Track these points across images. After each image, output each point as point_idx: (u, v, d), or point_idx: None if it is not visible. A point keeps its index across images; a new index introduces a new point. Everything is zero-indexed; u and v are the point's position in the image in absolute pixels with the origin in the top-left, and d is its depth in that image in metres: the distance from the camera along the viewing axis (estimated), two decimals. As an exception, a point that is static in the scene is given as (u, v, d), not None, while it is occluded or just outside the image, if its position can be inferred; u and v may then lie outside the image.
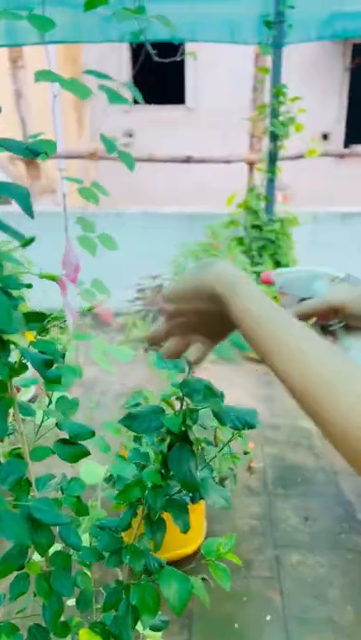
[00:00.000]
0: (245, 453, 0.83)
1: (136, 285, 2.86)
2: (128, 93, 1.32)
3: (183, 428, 0.66)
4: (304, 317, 0.69)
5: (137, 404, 1.59)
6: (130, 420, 0.67)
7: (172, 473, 0.70)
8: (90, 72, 1.15)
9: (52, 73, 1.15)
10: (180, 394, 0.67)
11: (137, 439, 0.92)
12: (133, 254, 3.02)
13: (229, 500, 0.69)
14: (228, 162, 4.34)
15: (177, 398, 0.69)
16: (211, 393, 0.64)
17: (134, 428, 0.67)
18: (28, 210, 0.59)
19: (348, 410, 0.42)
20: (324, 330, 0.71)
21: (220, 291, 0.55)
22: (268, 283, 0.73)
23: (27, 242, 0.54)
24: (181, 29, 2.84)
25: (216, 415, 0.64)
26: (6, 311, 0.54)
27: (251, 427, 0.64)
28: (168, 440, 0.68)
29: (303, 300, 0.71)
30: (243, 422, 0.65)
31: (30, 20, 1.16)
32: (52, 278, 0.58)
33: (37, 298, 1.65)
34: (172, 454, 0.67)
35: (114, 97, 1.13)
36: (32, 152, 0.63)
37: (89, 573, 0.91)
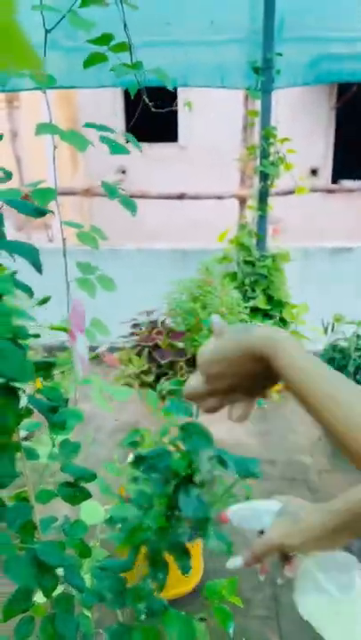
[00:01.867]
0: (247, 498, 0.85)
1: (131, 321, 2.89)
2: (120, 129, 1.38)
3: (189, 471, 0.68)
4: (261, 557, 0.73)
5: (134, 443, 1.60)
6: (139, 463, 0.70)
7: (177, 515, 0.72)
8: (89, 125, 1.21)
9: (53, 126, 1.21)
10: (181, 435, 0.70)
11: (135, 480, 0.94)
12: (128, 290, 3.06)
13: (231, 547, 0.71)
14: (220, 198, 4.44)
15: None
16: (205, 439, 0.67)
17: (143, 470, 0.69)
18: (38, 267, 0.62)
19: None
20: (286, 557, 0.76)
21: (264, 349, 0.58)
22: (225, 521, 0.78)
23: (43, 301, 0.58)
24: (173, 75, 2.96)
25: (220, 461, 0.66)
26: (19, 363, 0.57)
27: (252, 476, 0.67)
28: (174, 482, 0.70)
29: (261, 532, 0.76)
30: (244, 470, 0.67)
31: (32, 77, 1.23)
32: (63, 330, 0.61)
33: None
34: (181, 495, 0.69)
35: (116, 149, 1.19)
36: (39, 212, 0.67)
37: (90, 615, 0.91)
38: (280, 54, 2.93)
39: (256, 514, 0.75)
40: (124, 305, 2.92)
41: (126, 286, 2.78)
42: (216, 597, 0.77)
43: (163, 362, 2.63)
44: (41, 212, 0.66)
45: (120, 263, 4.06)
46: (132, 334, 2.81)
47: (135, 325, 2.85)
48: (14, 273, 0.55)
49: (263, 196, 3.20)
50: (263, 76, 2.96)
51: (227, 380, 0.61)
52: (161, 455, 0.72)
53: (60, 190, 5.36)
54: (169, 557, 0.79)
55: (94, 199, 5.37)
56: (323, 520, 0.68)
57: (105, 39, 1.24)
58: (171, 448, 0.79)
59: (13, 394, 0.64)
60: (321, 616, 0.70)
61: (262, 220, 3.28)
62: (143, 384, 2.60)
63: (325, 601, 0.69)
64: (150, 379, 2.60)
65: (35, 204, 0.66)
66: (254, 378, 0.61)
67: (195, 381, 0.64)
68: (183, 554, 0.76)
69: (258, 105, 3.23)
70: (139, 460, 0.71)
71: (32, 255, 0.62)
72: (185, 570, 0.73)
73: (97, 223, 1.44)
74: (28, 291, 0.63)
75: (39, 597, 0.78)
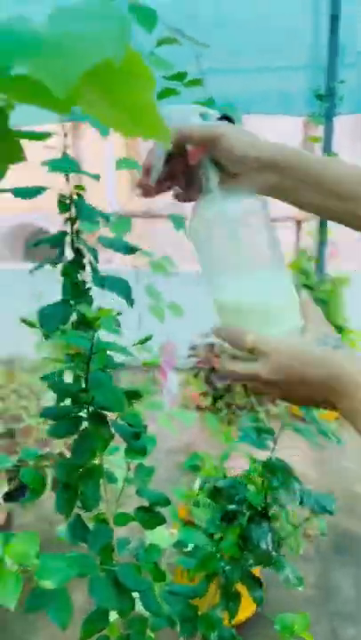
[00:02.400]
0: (322, 535, 0.86)
1: (189, 343, 2.92)
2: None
3: (264, 505, 0.70)
4: (184, 140, 0.63)
5: (195, 467, 1.61)
6: (216, 494, 0.72)
7: (249, 546, 0.73)
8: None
9: (131, 161, 1.28)
10: (260, 470, 0.72)
11: (198, 504, 0.96)
12: (186, 311, 3.10)
13: (302, 581, 0.72)
14: (276, 220, 4.45)
15: (259, 475, 0.73)
16: (289, 476, 0.68)
17: (219, 501, 0.71)
18: (130, 301, 0.66)
19: None
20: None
21: (336, 388, 0.54)
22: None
23: (143, 341, 0.61)
24: (238, 103, 3.02)
25: (300, 497, 0.67)
26: (113, 393, 0.61)
27: (328, 512, 0.67)
28: (248, 514, 0.72)
29: None
30: (321, 507, 0.68)
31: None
32: (154, 364, 0.65)
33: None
34: (252, 529, 0.71)
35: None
36: (130, 250, 0.71)
37: (152, 636, 0.93)
38: (343, 81, 2.93)
39: (184, 113, 0.65)
40: (182, 326, 2.96)
41: (184, 307, 2.83)
42: (288, 632, 0.77)
43: (219, 384, 2.64)
44: (132, 250, 0.70)
45: (177, 284, 4.11)
46: (190, 356, 2.84)
47: (193, 347, 2.88)
48: (119, 314, 0.59)
49: (324, 222, 3.19)
50: (326, 103, 2.97)
51: (276, 390, 0.59)
52: (237, 487, 0.74)
53: (121, 212, 5.51)
54: (240, 587, 0.80)
55: (152, 220, 5.48)
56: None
57: (180, 76, 1.29)
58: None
59: (103, 421, 0.68)
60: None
61: (322, 245, 3.27)
62: (200, 406, 2.62)
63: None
64: (207, 401, 2.62)
65: (127, 243, 0.71)
66: (312, 400, 0.57)
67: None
68: (256, 584, 0.77)
69: (318, 130, 3.24)
70: (216, 491, 0.73)
71: (125, 291, 0.66)
72: (259, 601, 0.74)
73: (154, 244, 1.50)
74: (117, 331, 0.67)
75: (111, 617, 0.81)
